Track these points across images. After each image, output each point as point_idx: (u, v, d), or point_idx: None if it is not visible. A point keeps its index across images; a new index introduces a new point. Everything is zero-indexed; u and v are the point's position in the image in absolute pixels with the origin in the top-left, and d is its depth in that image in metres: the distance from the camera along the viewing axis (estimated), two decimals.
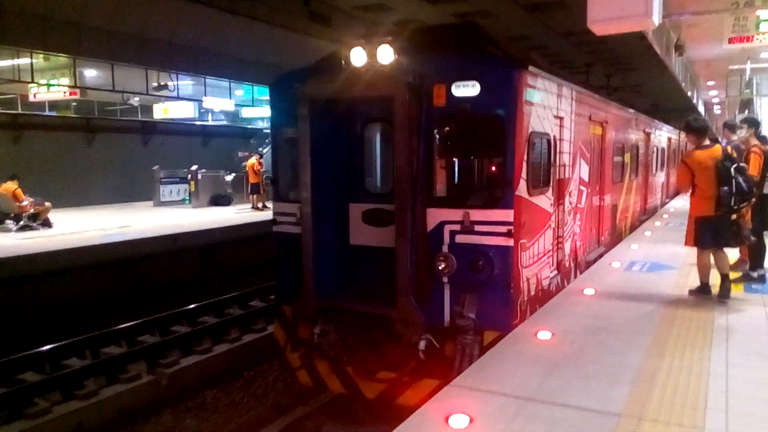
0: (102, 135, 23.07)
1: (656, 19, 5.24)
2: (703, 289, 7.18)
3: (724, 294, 6.99)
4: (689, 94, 25.33)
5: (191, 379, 8.99)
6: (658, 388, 4.50)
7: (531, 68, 6.33)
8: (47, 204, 16.03)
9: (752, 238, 7.31)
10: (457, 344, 6.17)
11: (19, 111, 20.71)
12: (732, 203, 6.63)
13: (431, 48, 6.45)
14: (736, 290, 7.38)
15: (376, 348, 6.62)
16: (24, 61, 15.94)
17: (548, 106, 6.93)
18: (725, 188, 6.59)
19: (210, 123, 27.10)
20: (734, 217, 6.93)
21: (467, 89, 6.05)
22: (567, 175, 7.76)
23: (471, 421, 3.98)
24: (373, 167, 7.13)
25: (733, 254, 7.72)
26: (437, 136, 6.30)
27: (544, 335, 5.79)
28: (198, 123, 26.56)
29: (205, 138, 28.03)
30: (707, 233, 6.90)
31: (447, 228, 6.26)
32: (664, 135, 19.03)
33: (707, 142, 7.08)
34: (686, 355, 5.23)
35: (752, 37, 12.36)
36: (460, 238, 6.22)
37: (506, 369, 4.94)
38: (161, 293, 12.82)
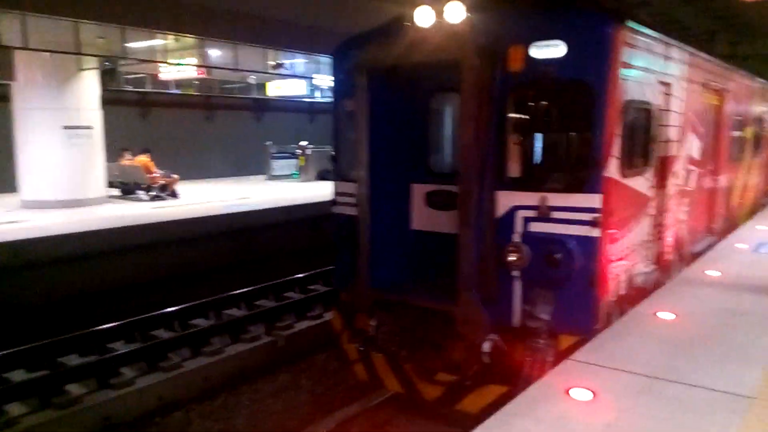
0: (220, 112, 24.76)
1: None
2: None
3: None
4: None
5: (306, 342, 9.29)
6: None
7: (630, 24, 5.23)
8: (175, 176, 17.30)
9: None
10: (528, 348, 5.34)
11: (147, 90, 22.33)
12: None
13: (507, 3, 5.50)
14: None
15: (437, 346, 5.94)
16: (157, 42, 17.07)
17: (651, 69, 5.78)
18: None
19: (317, 100, 27.63)
20: None
21: (550, 50, 5.10)
22: (672, 153, 6.54)
23: (594, 395, 3.87)
24: (439, 143, 6.34)
25: None
26: (513, 106, 5.39)
27: (666, 316, 5.47)
28: (306, 100, 27.18)
29: (311, 114, 28.79)
30: None
31: (520, 214, 5.39)
32: None
33: None
34: None
35: None
36: (535, 227, 5.33)
37: (628, 347, 4.74)
38: (277, 260, 13.36)
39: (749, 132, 10.65)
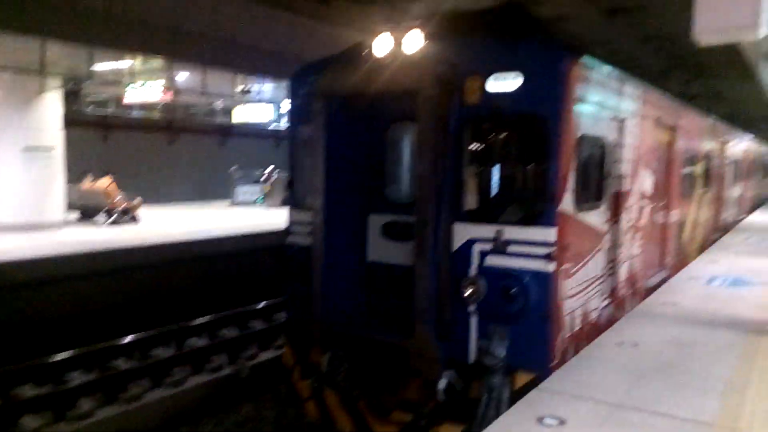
0: (183, 136, 24.23)
1: (764, 30, 5.09)
2: None
3: None
4: None
5: (270, 372, 9.06)
6: (749, 398, 4.50)
7: (585, 59, 5.28)
8: (137, 200, 16.85)
9: None
10: (484, 386, 5.19)
11: (110, 112, 21.96)
12: None
13: (465, 34, 5.50)
14: None
15: (392, 383, 5.73)
16: (125, 64, 16.72)
17: (606, 105, 5.84)
18: None
19: (283, 126, 27.54)
20: None
21: (506, 83, 5.09)
22: (625, 188, 6.60)
23: (564, 423, 4.03)
24: (397, 173, 6.21)
25: None
26: (469, 138, 5.34)
27: (628, 345, 5.65)
28: (270, 126, 27.07)
29: (277, 140, 28.67)
30: None
31: (476, 247, 5.30)
32: (741, 145, 17.21)
33: None
34: None
35: None
36: (491, 260, 5.24)
37: (594, 375, 4.93)
38: (242, 288, 13.11)
39: (700, 168, 10.96)
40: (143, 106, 23.25)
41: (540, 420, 4.08)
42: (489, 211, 5.44)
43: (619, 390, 4.62)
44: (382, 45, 5.42)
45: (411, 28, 5.34)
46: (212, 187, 24.56)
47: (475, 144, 5.45)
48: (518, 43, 5.34)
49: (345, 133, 5.97)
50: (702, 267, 9.93)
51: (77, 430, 7.10)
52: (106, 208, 16.15)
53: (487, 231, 5.24)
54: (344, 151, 5.97)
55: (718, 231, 14.17)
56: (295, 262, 6.43)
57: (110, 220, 15.92)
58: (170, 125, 24.01)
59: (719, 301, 7.49)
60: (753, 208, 21.35)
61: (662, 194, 8.37)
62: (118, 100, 21.55)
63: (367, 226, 6.17)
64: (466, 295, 5.27)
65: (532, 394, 4.55)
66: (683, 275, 9.19)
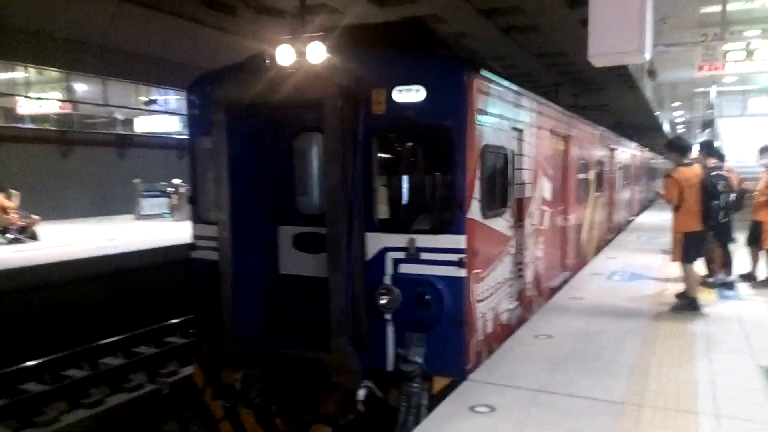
0: (78, 148, 22.68)
1: (647, 54, 5.78)
2: (692, 304, 7.32)
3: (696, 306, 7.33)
4: (656, 113, 25.63)
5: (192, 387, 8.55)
6: (651, 378, 5.06)
7: (484, 73, 5.51)
8: (35, 217, 15.65)
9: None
10: (402, 393, 5.23)
11: None
12: (720, 217, 7.26)
13: (369, 47, 5.58)
14: (709, 295, 8.10)
15: (310, 397, 5.64)
16: (18, 74, 15.31)
17: (505, 116, 6.13)
18: (716, 203, 7.08)
19: (186, 136, 26.49)
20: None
21: (410, 94, 5.20)
22: (527, 194, 6.95)
23: (493, 410, 4.43)
24: (306, 184, 6.18)
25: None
26: (377, 149, 5.41)
27: (543, 337, 6.27)
28: (174, 136, 25.91)
29: (180, 150, 27.35)
30: (693, 248, 7.25)
31: (390, 256, 5.35)
32: (628, 152, 18.64)
33: (687, 160, 7.51)
34: (673, 351, 5.80)
35: (721, 65, 13.96)
36: (404, 268, 5.32)
37: (516, 365, 5.41)
38: (158, 304, 12.39)
39: (592, 174, 11.74)
40: (34, 118, 21.66)
41: (472, 408, 4.46)
42: (400, 221, 5.52)
43: (539, 377, 5.09)
44: (284, 54, 5.38)
45: (313, 39, 5.35)
46: (113, 201, 23.14)
47: (384, 154, 5.53)
48: (422, 57, 5.49)
49: (249, 144, 5.84)
50: (602, 263, 10.88)
51: None
52: (2, 226, 14.91)
53: (399, 240, 5.31)
54: (249, 162, 5.83)
55: (612, 231, 15.23)
56: (201, 279, 6.20)
57: (9, 237, 14.70)
58: (64, 137, 22.51)
59: (620, 294, 8.29)
60: (641, 210, 23.15)
61: (560, 199, 8.89)
62: (8, 111, 19.93)
63: (277, 239, 6.07)
64: (381, 303, 5.30)
65: (462, 387, 4.91)
66: (586, 271, 10.02)
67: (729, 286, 8.57)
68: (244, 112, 5.60)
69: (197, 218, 6.35)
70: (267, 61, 5.35)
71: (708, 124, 25.24)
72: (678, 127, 36.07)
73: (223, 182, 5.56)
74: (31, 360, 8.94)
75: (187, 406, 8.19)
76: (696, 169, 7.35)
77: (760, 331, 6.50)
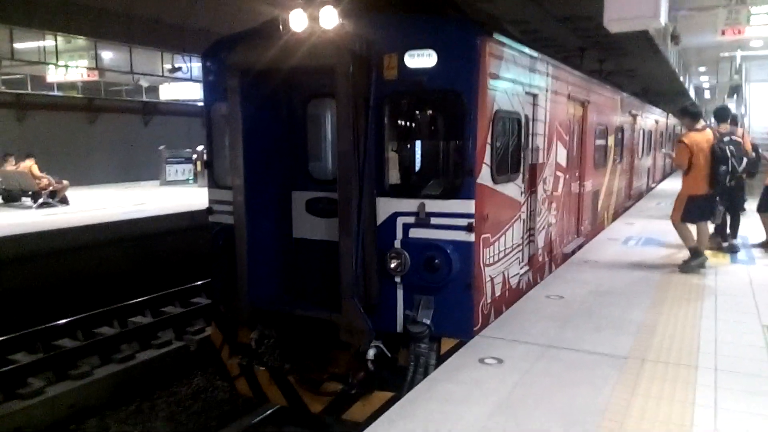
0: (104, 115, 23.22)
1: (663, 19, 5.91)
2: (696, 254, 7.67)
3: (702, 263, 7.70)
4: (681, 79, 24.98)
5: None
6: (657, 336, 5.27)
7: (497, 36, 5.46)
8: (65, 182, 16.07)
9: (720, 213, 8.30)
10: (411, 353, 5.39)
11: (26, 91, 20.61)
12: (727, 181, 7.47)
13: (381, 11, 5.55)
14: (723, 259, 8.41)
15: (321, 356, 5.84)
16: (48, 43, 15.57)
17: (519, 81, 6.08)
18: (723, 167, 7.30)
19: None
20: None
21: (422, 59, 5.20)
22: (541, 160, 6.92)
23: (502, 362, 4.66)
24: (319, 149, 6.25)
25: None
26: (388, 114, 5.44)
27: (554, 297, 6.47)
28: (198, 104, 26.15)
29: (203, 118, 27.61)
30: (695, 209, 7.60)
31: (400, 220, 5.44)
32: (651, 118, 18.27)
33: (700, 125, 7.70)
34: (680, 311, 6.02)
35: (743, 29, 13.82)
36: (414, 233, 5.41)
37: (526, 323, 5.62)
38: (182, 266, 12.84)
39: (612, 140, 11.59)
40: (62, 86, 21.99)
41: (481, 360, 4.70)
42: (411, 186, 5.59)
43: (549, 334, 5.30)
44: (297, 19, 5.38)
45: (325, 4, 5.33)
46: (137, 167, 23.67)
47: (395, 120, 5.55)
48: (434, 21, 5.45)
49: (263, 110, 5.90)
50: (619, 229, 11.00)
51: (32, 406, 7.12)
52: (33, 190, 15.33)
53: (410, 205, 5.38)
54: (263, 127, 5.90)
55: (632, 198, 15.09)
56: (218, 242, 6.37)
57: (40, 202, 15.15)
58: (90, 104, 22.85)
59: (634, 258, 8.46)
60: (663, 177, 22.80)
61: (576, 166, 8.83)
62: (41, 80, 20.23)
63: (290, 203, 6.19)
64: (391, 267, 5.42)
65: (473, 341, 5.13)
66: (603, 236, 10.17)
67: (733, 249, 8.85)
68: (257, 78, 5.65)
69: (213, 183, 6.49)
70: (280, 27, 5.36)
71: (735, 89, 24.58)
72: (705, 92, 35.13)
73: (238, 147, 5.65)
74: (67, 317, 9.46)
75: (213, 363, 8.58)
76: (707, 135, 7.56)
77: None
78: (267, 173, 5.91)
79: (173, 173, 22.73)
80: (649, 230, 10.64)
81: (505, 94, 5.68)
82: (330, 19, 5.24)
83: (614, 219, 12.34)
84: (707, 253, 7.97)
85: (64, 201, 15.68)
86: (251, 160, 5.73)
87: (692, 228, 7.80)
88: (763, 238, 9.16)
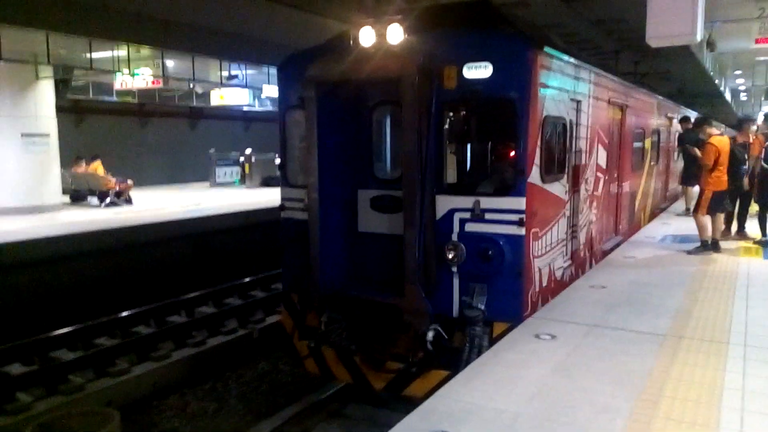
0: (154, 119, 24.31)
1: (699, 36, 6.45)
2: (714, 245, 8.97)
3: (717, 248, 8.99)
4: (716, 81, 24.93)
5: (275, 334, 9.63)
6: (693, 318, 5.92)
7: (546, 48, 6.04)
8: (130, 182, 17.28)
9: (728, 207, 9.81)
10: (466, 336, 5.99)
11: (84, 97, 21.68)
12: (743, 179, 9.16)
13: (442, 27, 6.19)
14: (756, 256, 9.07)
15: (384, 338, 6.48)
16: (121, 52, 16.88)
17: (564, 88, 6.64)
18: (744, 167, 9.20)
19: (253, 108, 27.81)
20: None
21: (479, 71, 5.81)
22: (583, 162, 7.47)
23: (554, 337, 5.32)
24: (382, 152, 6.92)
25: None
26: (448, 120, 6.07)
27: (598, 287, 7.09)
28: (243, 109, 27.20)
29: (246, 122, 29.07)
30: (718, 203, 8.84)
31: (457, 216, 6.05)
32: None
33: (717, 131, 9.40)
34: (714, 298, 6.61)
35: None
36: (470, 227, 6.01)
37: (573, 307, 6.28)
38: (239, 262, 13.92)
39: (648, 143, 11.98)
40: (120, 92, 23.20)
41: (537, 335, 5.36)
42: (467, 184, 6.19)
43: (595, 316, 5.97)
44: (366, 36, 6.05)
45: (391, 22, 5.99)
46: (184, 169, 24.74)
47: (453, 125, 6.17)
48: (489, 35, 6.07)
49: (334, 117, 6.60)
50: (656, 228, 11.58)
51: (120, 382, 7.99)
52: (101, 190, 16.51)
53: (466, 202, 5.99)
54: (334, 133, 6.59)
55: (668, 200, 15.37)
56: (290, 236, 7.07)
57: (107, 201, 16.33)
58: (142, 109, 24.00)
59: (670, 254, 9.14)
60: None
61: (615, 167, 9.32)
62: (100, 85, 21.39)
63: (357, 200, 6.87)
64: (449, 257, 6.03)
65: (527, 321, 5.81)
66: (640, 235, 10.77)
67: (765, 243, 9.59)
68: (330, 89, 6.35)
69: (286, 182, 7.20)
70: (351, 43, 6.04)
71: None
72: (741, 95, 34.73)
73: (313, 151, 6.36)
74: (142, 306, 10.40)
75: (276, 348, 9.30)
76: (726, 138, 9.13)
77: None
78: (337, 173, 6.60)
79: (222, 175, 23.98)
80: (685, 229, 11.01)
81: (552, 101, 6.25)
82: (396, 35, 5.91)
83: (650, 219, 12.70)
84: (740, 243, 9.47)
85: (128, 201, 16.80)
86: (323, 162, 6.42)
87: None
88: None
